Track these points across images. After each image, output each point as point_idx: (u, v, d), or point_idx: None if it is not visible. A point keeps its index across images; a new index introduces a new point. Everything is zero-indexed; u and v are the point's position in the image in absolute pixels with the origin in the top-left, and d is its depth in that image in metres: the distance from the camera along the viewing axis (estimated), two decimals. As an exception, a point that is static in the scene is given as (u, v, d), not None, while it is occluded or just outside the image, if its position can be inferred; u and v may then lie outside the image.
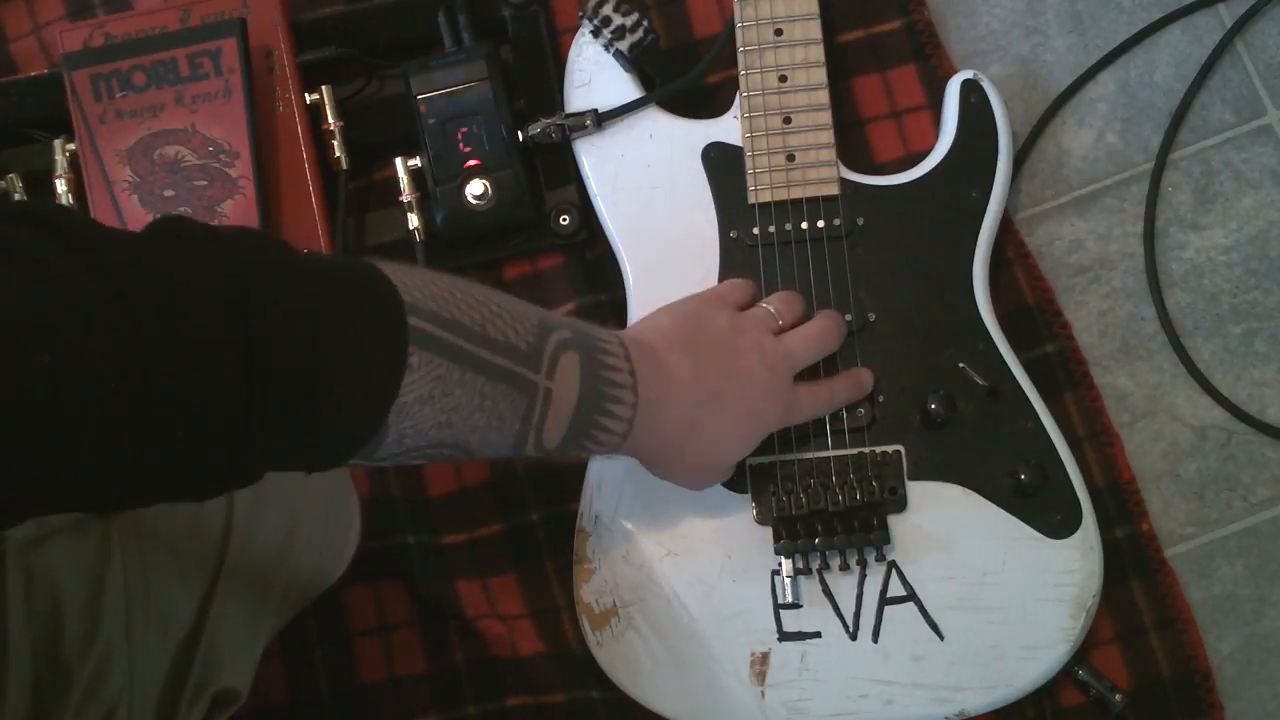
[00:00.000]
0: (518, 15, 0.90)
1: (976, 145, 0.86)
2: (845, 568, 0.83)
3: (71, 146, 0.85)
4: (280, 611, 0.78)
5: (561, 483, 0.89)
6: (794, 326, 0.80)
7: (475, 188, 0.86)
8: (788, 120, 0.85)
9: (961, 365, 0.84)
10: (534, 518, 0.89)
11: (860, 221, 0.85)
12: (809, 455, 0.83)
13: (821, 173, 0.85)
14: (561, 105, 0.89)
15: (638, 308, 0.86)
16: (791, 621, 0.82)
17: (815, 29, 0.85)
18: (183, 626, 0.67)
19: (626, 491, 0.84)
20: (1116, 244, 0.92)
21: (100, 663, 0.62)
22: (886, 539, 0.82)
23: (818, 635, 0.82)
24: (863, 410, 0.83)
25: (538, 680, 0.86)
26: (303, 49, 0.89)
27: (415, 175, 0.88)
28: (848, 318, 0.84)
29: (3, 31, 0.96)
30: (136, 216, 0.84)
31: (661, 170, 0.87)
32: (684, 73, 0.88)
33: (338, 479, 0.83)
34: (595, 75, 0.88)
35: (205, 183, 0.83)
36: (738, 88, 0.86)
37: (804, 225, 0.85)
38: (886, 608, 0.82)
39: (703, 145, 0.87)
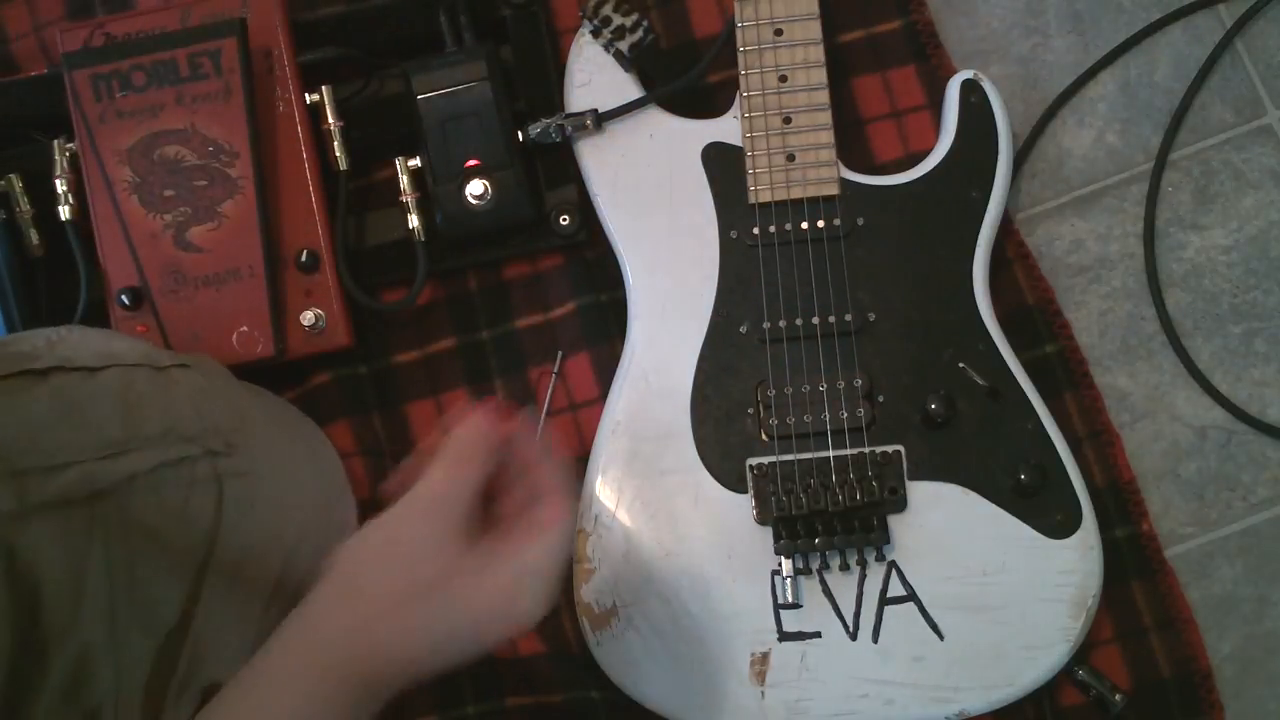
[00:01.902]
0: (518, 15, 0.90)
1: (976, 145, 0.86)
2: (845, 568, 0.83)
3: (71, 146, 0.85)
4: (273, 610, 0.77)
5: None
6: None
7: (475, 188, 0.86)
8: (788, 120, 0.85)
9: (961, 365, 0.84)
10: (534, 518, 0.89)
11: (860, 221, 0.85)
12: (809, 455, 0.83)
13: (821, 173, 0.85)
14: (561, 105, 0.89)
15: (638, 308, 0.86)
16: (791, 621, 0.82)
17: (815, 29, 0.85)
18: (169, 617, 0.67)
19: (626, 491, 0.84)
20: (1116, 244, 0.92)
21: (83, 648, 0.62)
22: (886, 539, 0.82)
23: (818, 635, 0.82)
24: (863, 410, 0.83)
25: (538, 680, 0.86)
26: (303, 49, 0.89)
27: (415, 175, 0.88)
28: (848, 318, 0.84)
29: (3, 31, 0.96)
30: (137, 216, 0.84)
31: (661, 170, 0.87)
32: (684, 73, 0.88)
33: (335, 479, 0.83)
34: (595, 75, 0.88)
35: (205, 183, 0.83)
36: (738, 88, 0.86)
37: (804, 225, 0.85)
38: (886, 608, 0.82)
39: (703, 145, 0.87)
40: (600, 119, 0.87)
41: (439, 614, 0.61)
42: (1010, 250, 0.90)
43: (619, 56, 0.88)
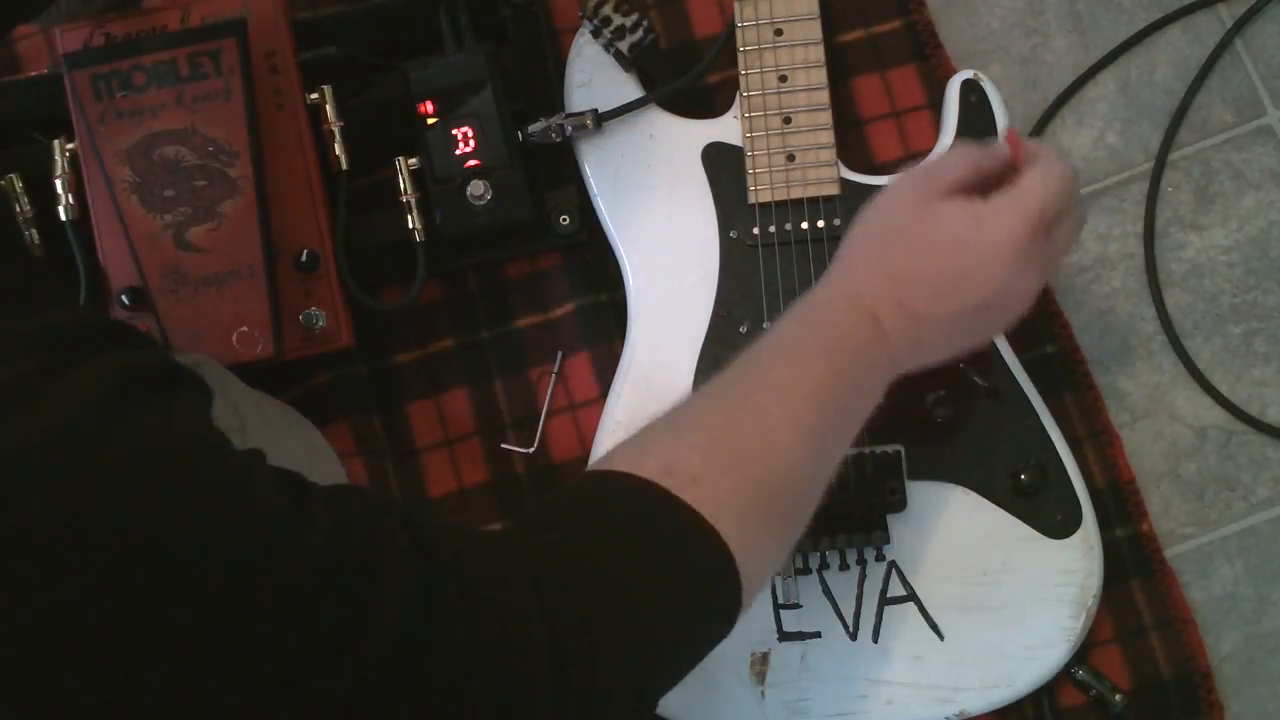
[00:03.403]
0: (518, 15, 0.90)
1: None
2: (845, 567, 0.83)
3: (71, 146, 0.85)
4: None
5: (561, 482, 0.89)
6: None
7: (475, 188, 0.86)
8: (788, 120, 0.85)
9: (961, 365, 0.84)
10: (534, 518, 0.89)
11: (860, 221, 0.85)
12: (809, 455, 0.83)
13: (821, 173, 0.85)
14: (561, 105, 0.89)
15: (638, 308, 0.86)
16: (791, 621, 0.82)
17: (815, 29, 0.85)
18: None
19: (626, 491, 0.84)
20: (1116, 244, 0.92)
21: None
22: (886, 539, 0.82)
23: (818, 635, 0.82)
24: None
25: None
26: (303, 49, 0.89)
27: (415, 175, 0.88)
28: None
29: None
30: (136, 216, 0.84)
31: (661, 170, 0.87)
32: (684, 73, 0.88)
33: (336, 478, 0.83)
34: (595, 75, 0.88)
35: (205, 183, 0.83)
36: (738, 88, 0.86)
37: (804, 225, 0.85)
38: (886, 608, 0.82)
39: (703, 145, 0.87)
40: (600, 119, 0.87)
41: (923, 232, 0.70)
42: (1010, 250, 0.90)
43: (619, 56, 0.88)
